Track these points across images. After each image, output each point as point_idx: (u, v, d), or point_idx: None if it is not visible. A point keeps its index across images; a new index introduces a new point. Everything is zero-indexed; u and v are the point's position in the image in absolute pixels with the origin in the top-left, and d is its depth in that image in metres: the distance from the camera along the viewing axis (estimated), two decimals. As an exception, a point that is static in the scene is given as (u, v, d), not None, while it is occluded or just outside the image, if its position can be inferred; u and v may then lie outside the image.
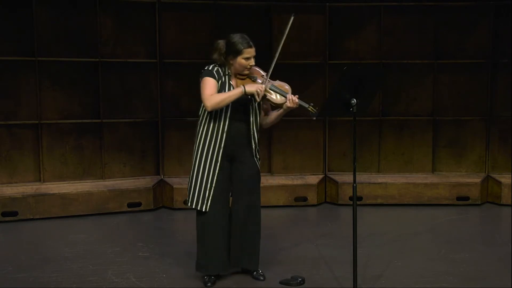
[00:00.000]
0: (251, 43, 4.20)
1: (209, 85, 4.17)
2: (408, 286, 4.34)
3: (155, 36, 6.67)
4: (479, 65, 6.93)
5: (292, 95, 4.20)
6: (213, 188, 4.25)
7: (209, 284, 4.33)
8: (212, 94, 4.14)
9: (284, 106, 4.22)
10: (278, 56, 4.22)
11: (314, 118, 4.20)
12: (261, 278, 4.44)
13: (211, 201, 4.26)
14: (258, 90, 4.13)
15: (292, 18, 4.17)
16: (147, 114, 6.79)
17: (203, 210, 4.27)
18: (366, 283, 4.34)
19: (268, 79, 4.24)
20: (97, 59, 6.49)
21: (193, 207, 4.30)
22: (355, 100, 3.88)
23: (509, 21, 6.76)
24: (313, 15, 6.81)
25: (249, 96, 4.19)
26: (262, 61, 4.37)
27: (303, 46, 6.79)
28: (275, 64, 4.24)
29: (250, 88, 4.15)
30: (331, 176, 7.04)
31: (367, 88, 3.97)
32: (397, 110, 7.07)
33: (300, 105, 4.20)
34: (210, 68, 4.24)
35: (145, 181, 6.74)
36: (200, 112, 4.30)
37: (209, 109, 4.14)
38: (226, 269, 4.44)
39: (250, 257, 4.44)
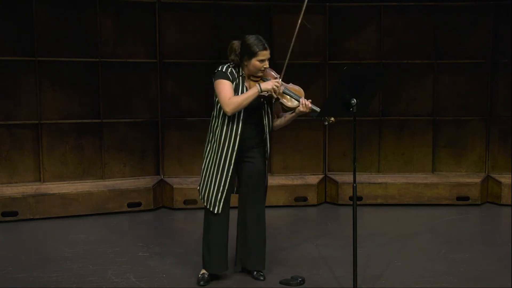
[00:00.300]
0: (266, 45, 4.15)
1: (225, 88, 4.10)
2: (408, 286, 4.34)
3: (155, 36, 6.66)
4: (479, 65, 6.93)
5: (305, 99, 4.15)
6: (225, 190, 4.24)
7: (201, 282, 4.33)
8: (230, 97, 4.07)
9: (297, 110, 4.18)
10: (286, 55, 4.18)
11: (326, 123, 4.14)
12: (261, 278, 4.43)
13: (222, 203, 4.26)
14: (275, 86, 4.08)
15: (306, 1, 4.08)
16: (147, 114, 6.79)
17: (215, 212, 4.26)
18: (366, 283, 4.34)
19: (281, 82, 4.18)
20: (97, 59, 6.49)
21: (207, 207, 4.29)
22: (355, 100, 3.87)
23: (509, 21, 6.75)
24: (313, 15, 6.80)
25: (262, 99, 4.16)
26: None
27: (303, 46, 6.78)
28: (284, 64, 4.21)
29: (266, 85, 4.09)
30: (331, 176, 7.03)
31: (367, 88, 3.96)
32: (397, 110, 7.07)
33: (312, 110, 4.14)
34: (224, 70, 4.17)
35: (145, 181, 6.74)
36: (213, 114, 4.25)
37: (229, 113, 4.08)
38: (226, 269, 4.43)
39: (257, 258, 4.43)
